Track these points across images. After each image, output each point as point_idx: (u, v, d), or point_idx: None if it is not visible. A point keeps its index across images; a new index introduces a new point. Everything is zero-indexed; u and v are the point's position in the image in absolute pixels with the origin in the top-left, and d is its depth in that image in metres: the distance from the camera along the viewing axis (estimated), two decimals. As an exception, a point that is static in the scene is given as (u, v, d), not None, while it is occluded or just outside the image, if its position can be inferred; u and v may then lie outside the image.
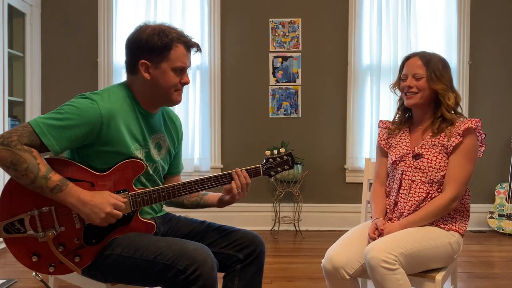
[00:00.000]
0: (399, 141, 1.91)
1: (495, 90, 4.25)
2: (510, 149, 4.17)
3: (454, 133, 1.76)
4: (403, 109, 1.94)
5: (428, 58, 1.81)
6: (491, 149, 4.13)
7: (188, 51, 1.56)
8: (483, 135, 1.81)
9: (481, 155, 1.82)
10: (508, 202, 4.05)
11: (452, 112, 1.80)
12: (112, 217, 1.43)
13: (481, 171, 4.06)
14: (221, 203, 1.69)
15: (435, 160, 1.78)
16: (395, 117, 1.98)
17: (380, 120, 2.03)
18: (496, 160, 4.22)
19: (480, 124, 1.77)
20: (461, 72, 4.20)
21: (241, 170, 1.60)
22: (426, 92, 1.79)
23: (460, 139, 1.74)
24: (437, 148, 1.79)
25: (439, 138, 1.79)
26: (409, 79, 1.82)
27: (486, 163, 4.08)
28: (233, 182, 1.59)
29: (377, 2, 4.19)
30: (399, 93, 1.92)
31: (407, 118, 1.94)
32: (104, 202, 1.42)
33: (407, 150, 1.86)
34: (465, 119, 1.81)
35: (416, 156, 1.82)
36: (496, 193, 4.13)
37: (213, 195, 1.73)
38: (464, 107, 4.19)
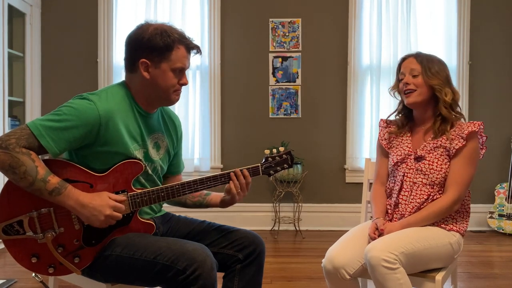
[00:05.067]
0: (401, 141, 1.91)
1: (495, 90, 4.25)
2: (510, 149, 4.17)
3: (457, 136, 1.76)
4: (404, 114, 1.94)
5: (423, 57, 1.84)
6: (491, 149, 4.13)
7: (189, 52, 1.56)
8: (484, 138, 1.81)
9: (481, 157, 1.82)
10: (508, 202, 4.05)
11: (451, 110, 1.80)
12: (111, 219, 1.43)
13: (481, 171, 4.03)
14: (223, 204, 1.69)
15: (437, 163, 1.78)
16: (396, 119, 1.97)
17: (381, 119, 2.02)
18: (496, 160, 4.22)
19: (482, 127, 1.78)
20: (461, 72, 4.20)
21: (240, 170, 1.60)
22: (423, 88, 1.80)
23: (463, 143, 1.74)
24: (438, 151, 1.79)
25: (441, 140, 1.79)
26: (406, 77, 1.83)
27: (486, 163, 4.07)
28: (231, 182, 1.59)
29: (377, 2, 4.19)
30: (398, 96, 1.92)
31: (408, 118, 1.94)
32: (104, 204, 1.41)
33: (408, 151, 1.85)
34: (464, 119, 1.81)
35: (418, 158, 1.82)
36: (496, 193, 4.12)
37: (215, 196, 1.73)
38: (464, 107, 4.19)
